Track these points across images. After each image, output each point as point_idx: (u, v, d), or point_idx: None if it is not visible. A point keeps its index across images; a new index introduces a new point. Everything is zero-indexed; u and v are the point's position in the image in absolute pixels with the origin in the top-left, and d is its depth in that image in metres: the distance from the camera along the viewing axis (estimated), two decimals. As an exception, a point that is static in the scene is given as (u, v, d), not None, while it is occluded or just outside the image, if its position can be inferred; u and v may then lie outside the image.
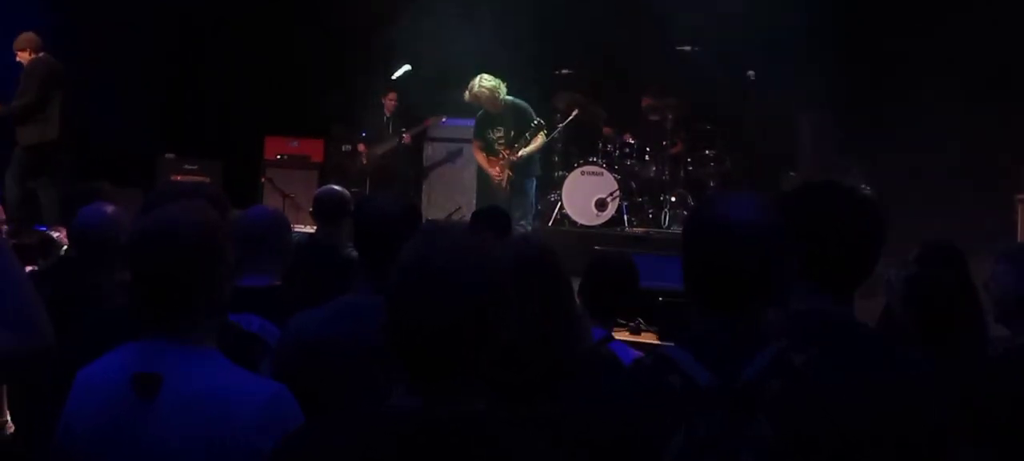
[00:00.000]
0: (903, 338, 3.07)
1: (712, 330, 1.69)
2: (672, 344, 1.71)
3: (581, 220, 8.56)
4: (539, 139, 8.02)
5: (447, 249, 1.58)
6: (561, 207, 8.68)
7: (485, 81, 7.77)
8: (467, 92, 7.90)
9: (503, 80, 7.88)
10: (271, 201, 9.30)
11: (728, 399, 1.60)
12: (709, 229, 1.71)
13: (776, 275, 1.69)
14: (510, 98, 7.93)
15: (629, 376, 1.80)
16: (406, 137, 9.27)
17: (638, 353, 3.19)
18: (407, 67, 9.20)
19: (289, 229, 3.54)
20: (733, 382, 1.61)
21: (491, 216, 4.62)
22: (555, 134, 8.70)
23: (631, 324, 6.29)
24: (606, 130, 9.17)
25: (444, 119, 9.28)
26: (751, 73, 8.52)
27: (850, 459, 1.61)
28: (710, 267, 1.69)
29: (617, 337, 3.43)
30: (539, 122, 7.99)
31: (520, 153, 7.91)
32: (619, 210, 8.63)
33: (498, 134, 8.02)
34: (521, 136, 7.93)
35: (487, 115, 7.99)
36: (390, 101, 9.40)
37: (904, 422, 1.72)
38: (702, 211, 1.79)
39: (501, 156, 8.01)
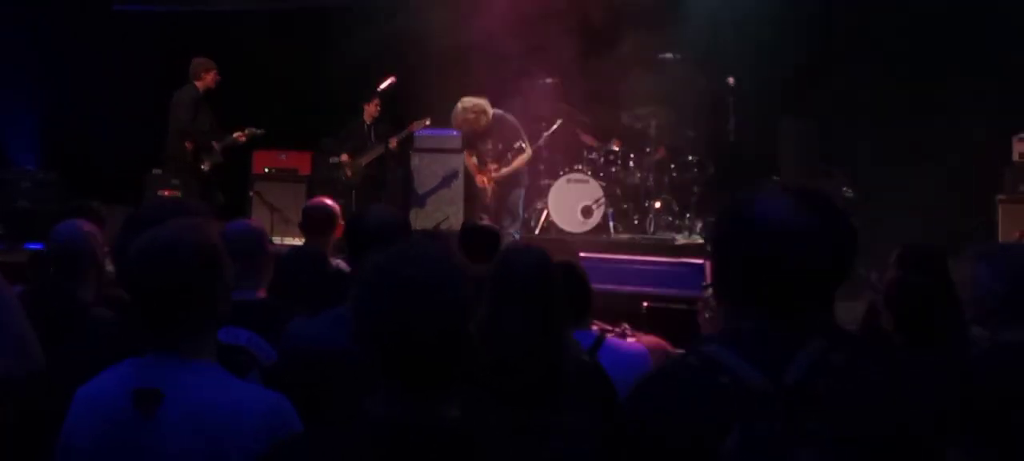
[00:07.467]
0: (885, 339, 3.13)
1: (758, 330, 1.66)
2: (714, 345, 1.66)
3: (567, 227, 8.61)
4: (522, 157, 8.04)
5: (422, 260, 1.62)
6: (547, 215, 8.72)
7: (470, 112, 7.75)
8: (453, 119, 7.94)
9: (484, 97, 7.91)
10: (260, 215, 9.28)
11: (782, 399, 1.57)
12: (764, 229, 1.66)
13: (834, 278, 1.68)
14: (498, 111, 7.96)
15: (678, 378, 1.72)
16: (393, 142, 9.06)
17: (637, 346, 3.25)
18: (392, 79, 9.19)
19: (269, 241, 3.58)
20: (781, 382, 1.59)
21: (481, 231, 4.62)
22: (540, 143, 8.75)
23: (616, 330, 6.31)
24: (590, 139, 9.23)
25: (428, 121, 9.07)
26: (731, 79, 8.61)
27: (898, 456, 1.60)
28: (767, 268, 1.65)
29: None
30: (522, 145, 8.03)
31: (503, 172, 7.94)
32: (605, 217, 8.69)
33: (486, 146, 8.07)
34: (508, 150, 7.97)
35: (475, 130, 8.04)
36: (372, 108, 9.15)
37: (919, 422, 1.69)
38: (749, 210, 1.70)
39: (488, 168, 8.06)
